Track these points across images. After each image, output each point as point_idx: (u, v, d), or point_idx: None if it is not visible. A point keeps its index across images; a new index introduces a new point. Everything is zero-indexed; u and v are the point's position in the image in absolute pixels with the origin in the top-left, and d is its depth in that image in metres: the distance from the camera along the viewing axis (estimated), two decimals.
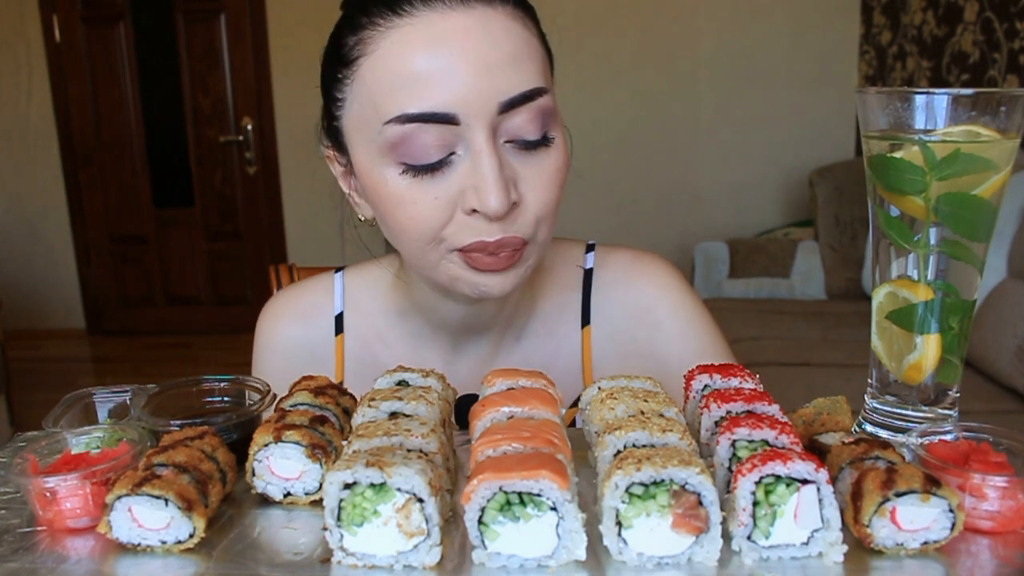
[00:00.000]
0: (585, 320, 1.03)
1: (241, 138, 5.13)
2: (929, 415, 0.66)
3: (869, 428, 0.71)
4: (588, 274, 1.05)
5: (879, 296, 0.66)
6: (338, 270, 1.11)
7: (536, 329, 1.03)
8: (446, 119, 0.78)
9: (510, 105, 0.79)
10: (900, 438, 0.67)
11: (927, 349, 0.62)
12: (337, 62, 0.85)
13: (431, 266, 0.86)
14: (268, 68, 5.00)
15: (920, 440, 0.67)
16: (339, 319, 1.07)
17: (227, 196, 5.27)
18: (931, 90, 0.58)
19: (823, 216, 4.02)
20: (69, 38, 5.04)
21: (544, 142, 0.82)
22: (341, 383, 1.04)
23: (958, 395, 0.66)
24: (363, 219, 0.94)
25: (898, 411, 0.66)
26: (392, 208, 0.83)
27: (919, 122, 0.58)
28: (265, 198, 5.21)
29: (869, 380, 0.69)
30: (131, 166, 5.24)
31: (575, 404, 1.00)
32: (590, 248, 1.07)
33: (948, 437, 0.66)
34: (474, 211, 0.80)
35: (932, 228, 0.60)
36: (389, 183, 0.82)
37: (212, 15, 5.00)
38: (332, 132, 0.89)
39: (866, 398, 0.70)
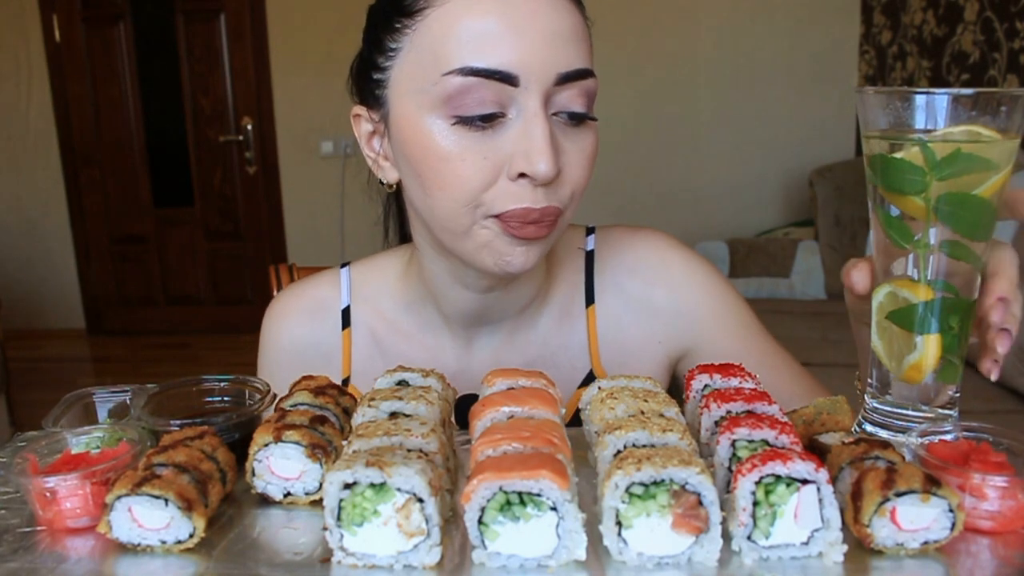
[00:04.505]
0: (589, 300, 1.05)
1: (241, 138, 5.13)
2: (929, 415, 0.66)
3: (869, 428, 0.71)
4: (590, 256, 1.06)
5: (879, 296, 0.66)
6: (344, 265, 1.11)
7: (552, 314, 1.04)
8: (507, 78, 0.79)
9: (566, 78, 0.81)
10: (900, 438, 0.67)
11: (927, 349, 0.62)
12: (396, 11, 0.85)
13: (462, 231, 0.85)
14: (268, 68, 5.00)
15: (920, 440, 0.67)
16: (345, 313, 1.07)
17: (227, 196, 5.27)
18: (931, 90, 0.57)
19: (823, 216, 4.02)
20: (69, 38, 5.04)
21: (586, 120, 0.84)
22: (348, 378, 1.05)
23: (958, 395, 0.66)
24: (384, 183, 0.94)
25: (898, 411, 0.66)
26: (437, 163, 0.83)
27: (919, 122, 0.58)
28: (265, 198, 5.21)
29: (869, 380, 0.69)
30: (131, 166, 5.24)
31: (585, 383, 1.02)
32: (590, 231, 1.09)
33: (948, 437, 0.66)
34: (521, 176, 0.80)
35: (932, 228, 0.60)
36: (437, 136, 0.82)
37: (212, 15, 5.00)
38: (369, 86, 0.89)
39: (866, 398, 0.70)
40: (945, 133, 0.57)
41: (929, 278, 0.61)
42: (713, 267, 1.08)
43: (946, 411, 0.66)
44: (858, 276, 0.70)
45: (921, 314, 0.62)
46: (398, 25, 0.84)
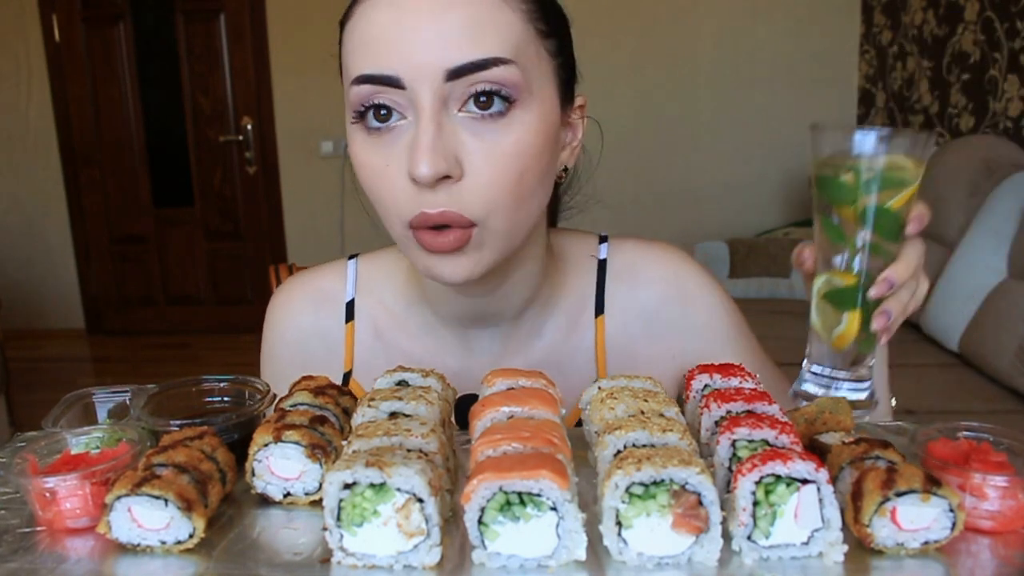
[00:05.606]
0: (599, 310, 1.04)
1: (241, 138, 5.13)
2: (851, 375, 0.82)
3: (806, 387, 0.83)
4: (602, 264, 1.05)
5: (818, 283, 0.81)
6: (351, 257, 1.10)
7: (559, 322, 1.03)
8: (391, 82, 0.78)
9: (458, 73, 0.77)
10: (829, 393, 0.81)
11: (851, 322, 0.79)
12: (340, 29, 0.87)
13: (397, 237, 0.86)
14: (268, 68, 5.00)
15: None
16: (350, 306, 1.06)
17: (227, 196, 5.27)
18: (863, 128, 0.74)
19: None
20: (69, 38, 5.04)
21: (499, 115, 0.79)
22: (350, 371, 1.05)
23: (872, 363, 0.82)
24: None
25: (827, 371, 0.82)
26: (359, 170, 0.84)
27: (854, 150, 0.75)
28: (265, 198, 5.21)
29: (808, 350, 0.84)
30: (131, 166, 5.24)
31: None
32: (603, 239, 1.07)
33: (864, 385, 0.81)
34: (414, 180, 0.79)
35: (859, 231, 0.77)
36: (354, 144, 0.84)
37: (212, 15, 5.00)
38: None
39: (805, 363, 0.84)
40: (871, 158, 0.74)
41: (856, 269, 0.78)
42: (722, 285, 1.08)
43: (863, 371, 0.82)
44: (808, 255, 0.82)
45: (846, 296, 0.79)
46: (340, 42, 0.87)
